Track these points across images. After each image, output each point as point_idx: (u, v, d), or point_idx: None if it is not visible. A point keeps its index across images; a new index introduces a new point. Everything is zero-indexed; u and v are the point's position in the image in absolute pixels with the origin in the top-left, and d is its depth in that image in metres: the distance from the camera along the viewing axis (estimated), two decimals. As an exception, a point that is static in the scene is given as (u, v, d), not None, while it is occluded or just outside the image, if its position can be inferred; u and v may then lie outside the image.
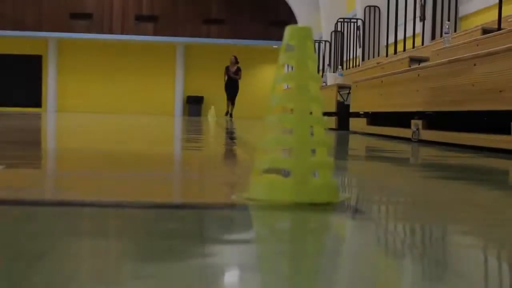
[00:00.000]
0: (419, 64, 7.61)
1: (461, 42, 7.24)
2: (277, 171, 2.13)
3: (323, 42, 19.90)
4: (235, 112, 21.84)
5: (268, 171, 1.84)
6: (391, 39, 12.64)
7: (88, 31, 28.21)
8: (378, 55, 15.12)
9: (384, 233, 1.43)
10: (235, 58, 21.05)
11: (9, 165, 2.69)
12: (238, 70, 21.11)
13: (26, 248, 1.14)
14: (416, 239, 1.39)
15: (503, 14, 7.21)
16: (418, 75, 6.39)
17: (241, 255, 1.18)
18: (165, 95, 29.52)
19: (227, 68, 21.10)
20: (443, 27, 8.78)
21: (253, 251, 1.23)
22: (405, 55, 9.73)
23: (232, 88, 21.12)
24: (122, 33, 28.30)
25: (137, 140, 5.49)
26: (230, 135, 7.15)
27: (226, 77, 21.19)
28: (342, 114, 10.37)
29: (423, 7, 11.15)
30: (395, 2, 11.95)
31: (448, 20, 10.47)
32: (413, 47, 11.04)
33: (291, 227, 1.51)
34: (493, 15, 8.51)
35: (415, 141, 6.26)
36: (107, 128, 8.32)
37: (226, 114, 21.42)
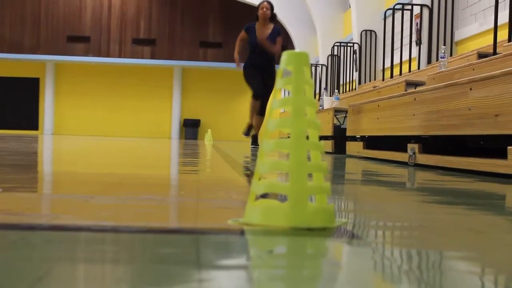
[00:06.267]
0: (415, 88, 7.64)
1: (457, 66, 7.28)
2: (273, 196, 2.13)
3: (320, 66, 19.99)
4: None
5: (264, 196, 1.84)
6: (388, 63, 12.71)
7: (86, 54, 28.31)
8: (375, 79, 15.20)
9: (381, 258, 1.43)
10: (270, 4, 10.06)
11: (5, 189, 2.68)
12: (277, 33, 9.94)
13: (22, 273, 1.14)
14: (412, 264, 1.38)
15: (498, 39, 7.27)
16: (415, 99, 6.41)
17: (237, 281, 1.18)
18: (162, 118, 29.56)
19: (249, 30, 10.01)
20: (439, 52, 8.84)
21: (250, 277, 1.23)
22: (402, 79, 9.78)
23: (266, 73, 9.89)
24: (119, 57, 28.40)
25: (133, 164, 5.48)
26: (227, 158, 7.16)
27: (244, 47, 10.20)
28: (339, 138, 10.38)
29: (419, 32, 11.22)
30: (391, 27, 12.02)
31: (444, 45, 10.54)
32: (409, 71, 11.10)
33: (287, 252, 1.50)
34: (488, 40, 8.58)
35: (411, 165, 6.27)
36: (104, 151, 8.31)
37: (247, 133, 10.59)
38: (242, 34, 10.16)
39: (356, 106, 9.11)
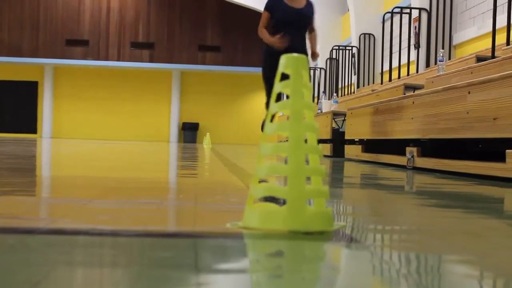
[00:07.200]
0: (413, 92, 7.64)
1: (455, 69, 7.28)
2: (272, 199, 2.13)
3: (318, 69, 19.99)
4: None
5: (263, 199, 1.84)
6: (386, 67, 12.72)
7: (84, 57, 28.31)
8: (373, 82, 15.20)
9: (380, 262, 1.43)
10: None
11: (3, 193, 2.68)
12: (313, 11, 7.99)
13: (20, 277, 1.13)
14: (411, 268, 1.38)
15: (496, 43, 7.27)
16: (413, 102, 6.41)
17: (235, 285, 1.17)
18: (161, 121, 29.56)
19: (275, 4, 7.34)
20: (438, 55, 8.84)
21: (248, 280, 1.23)
22: (400, 82, 9.79)
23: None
24: (118, 60, 28.40)
25: (132, 168, 5.48)
26: (226, 161, 7.15)
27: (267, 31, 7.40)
28: (337, 141, 10.39)
29: (417, 35, 11.23)
30: (389, 30, 12.03)
31: (443, 48, 10.54)
32: (408, 74, 11.11)
33: (286, 256, 1.50)
34: (487, 43, 8.58)
35: (410, 169, 6.27)
36: (102, 155, 8.31)
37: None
38: (266, 16, 7.29)
39: (355, 109, 9.11)
